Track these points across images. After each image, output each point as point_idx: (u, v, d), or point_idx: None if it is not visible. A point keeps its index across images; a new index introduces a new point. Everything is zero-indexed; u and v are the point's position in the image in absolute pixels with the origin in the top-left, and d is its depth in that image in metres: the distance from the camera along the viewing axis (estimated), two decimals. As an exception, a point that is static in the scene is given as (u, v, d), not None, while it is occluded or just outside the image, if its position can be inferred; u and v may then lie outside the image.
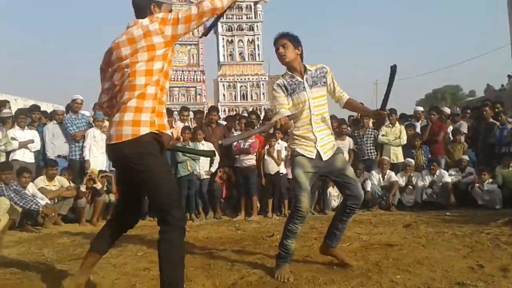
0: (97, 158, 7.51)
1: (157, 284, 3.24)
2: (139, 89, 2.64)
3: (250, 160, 7.55)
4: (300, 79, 3.49)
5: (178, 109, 9.46)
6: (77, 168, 7.50)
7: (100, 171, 7.34)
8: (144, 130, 2.62)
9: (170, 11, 2.84)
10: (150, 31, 2.65)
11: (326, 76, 3.56)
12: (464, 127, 8.96)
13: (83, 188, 6.92)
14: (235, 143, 7.57)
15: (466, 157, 8.37)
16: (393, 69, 3.39)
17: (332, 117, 9.56)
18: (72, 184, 7.07)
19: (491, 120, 8.63)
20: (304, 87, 3.47)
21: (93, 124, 7.83)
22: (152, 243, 4.92)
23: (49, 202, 6.42)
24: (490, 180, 7.68)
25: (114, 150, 2.68)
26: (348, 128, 8.95)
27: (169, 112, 8.57)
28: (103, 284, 3.27)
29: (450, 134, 8.91)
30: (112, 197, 7.20)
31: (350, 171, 3.56)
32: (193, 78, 21.27)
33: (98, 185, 6.96)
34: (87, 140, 7.47)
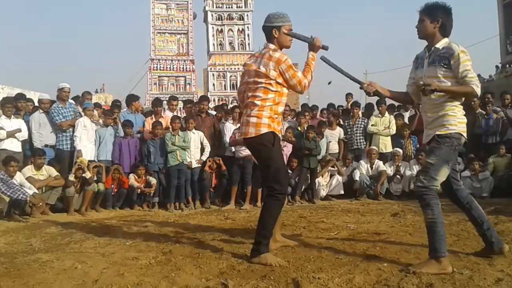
0: (87, 148, 7.43)
1: (145, 273, 3.27)
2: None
3: (246, 150, 7.53)
4: (426, 53, 3.39)
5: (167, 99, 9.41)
6: (65, 158, 7.42)
7: (90, 161, 7.28)
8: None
9: (291, 29, 3.66)
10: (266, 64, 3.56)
11: (449, 58, 3.23)
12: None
13: (71, 178, 6.87)
14: (230, 135, 7.58)
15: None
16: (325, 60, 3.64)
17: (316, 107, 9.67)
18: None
19: (479, 110, 8.70)
20: (423, 64, 3.39)
21: (82, 114, 7.76)
22: (140, 232, 4.92)
23: (36, 191, 6.37)
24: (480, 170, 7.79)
25: None
26: (339, 118, 8.99)
27: (158, 102, 8.52)
28: (91, 273, 3.26)
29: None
30: (102, 187, 7.16)
31: None
32: (183, 68, 21.11)
33: (88, 175, 6.91)
34: (78, 129, 7.38)
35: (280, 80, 3.55)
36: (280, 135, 3.82)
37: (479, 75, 21.30)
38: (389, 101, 9.72)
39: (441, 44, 3.31)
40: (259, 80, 3.56)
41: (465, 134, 3.36)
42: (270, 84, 3.55)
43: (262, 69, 3.53)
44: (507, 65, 17.00)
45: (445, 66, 3.24)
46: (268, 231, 3.53)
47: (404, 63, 56.37)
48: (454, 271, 3.04)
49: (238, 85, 3.93)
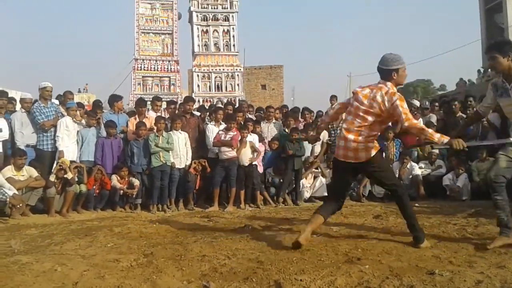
0: (68, 148, 7.34)
1: (126, 275, 3.24)
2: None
3: (231, 152, 7.53)
4: (507, 85, 3.89)
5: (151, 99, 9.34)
6: (46, 159, 7.31)
7: (72, 162, 7.19)
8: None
9: (405, 69, 4.04)
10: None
11: None
12: (434, 119, 9.14)
13: (52, 178, 6.78)
14: (215, 135, 7.57)
15: (436, 151, 8.54)
16: None
17: (305, 109, 9.69)
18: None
19: (460, 114, 8.82)
20: (509, 94, 3.90)
21: (64, 113, 7.66)
22: (122, 234, 4.88)
23: (17, 192, 6.24)
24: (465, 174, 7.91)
25: None
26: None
27: (142, 102, 8.46)
28: (71, 275, 3.22)
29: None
30: (83, 188, 7.08)
31: None
32: (167, 68, 20.94)
33: (69, 175, 6.82)
34: (60, 129, 7.28)
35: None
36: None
37: (461, 79, 21.68)
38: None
39: None
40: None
41: None
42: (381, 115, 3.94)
43: (379, 99, 3.89)
44: (489, 70, 17.25)
45: None
46: (414, 218, 4.10)
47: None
48: (435, 273, 3.08)
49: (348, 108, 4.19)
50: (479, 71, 19.54)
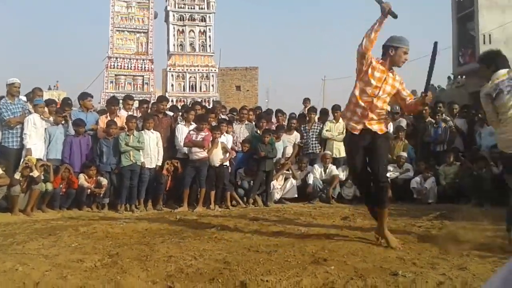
0: (36, 146, 7.16)
1: (90, 276, 3.18)
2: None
3: (202, 153, 7.48)
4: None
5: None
6: (11, 156, 7.11)
7: (39, 160, 7.02)
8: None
9: (405, 52, 4.08)
10: None
11: None
12: (404, 124, 9.30)
13: (17, 176, 6.60)
14: (185, 135, 7.51)
15: (404, 154, 8.69)
16: (435, 46, 3.93)
17: (278, 111, 9.74)
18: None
19: (429, 119, 9.01)
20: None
21: (32, 111, 7.47)
22: (88, 234, 4.79)
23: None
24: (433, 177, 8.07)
25: None
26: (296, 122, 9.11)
27: (114, 101, 8.34)
28: (33, 275, 3.15)
29: (391, 130, 9.21)
30: (49, 186, 6.91)
31: None
32: (141, 67, 20.72)
33: (35, 174, 6.65)
34: (28, 127, 7.10)
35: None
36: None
37: (432, 85, 22.16)
38: (343, 108, 9.93)
39: None
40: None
41: None
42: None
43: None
44: (459, 76, 17.73)
45: None
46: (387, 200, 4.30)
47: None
48: (398, 274, 3.13)
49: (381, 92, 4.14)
50: (449, 77, 20.00)
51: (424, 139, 8.91)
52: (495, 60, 4.25)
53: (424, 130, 8.94)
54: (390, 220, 5.53)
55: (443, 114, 9.10)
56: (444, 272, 3.20)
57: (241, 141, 8.42)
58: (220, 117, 8.91)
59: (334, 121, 8.99)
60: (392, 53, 4.05)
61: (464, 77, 17.16)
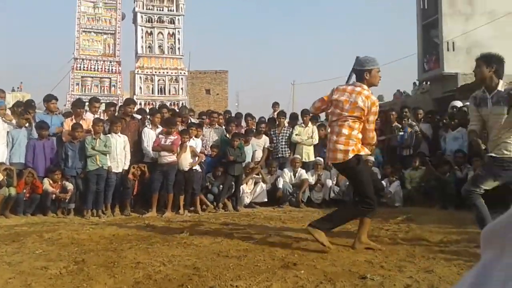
0: (-3, 150, 6.94)
1: (55, 283, 3.09)
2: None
3: (171, 157, 7.39)
4: (487, 95, 4.01)
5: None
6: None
7: (1, 164, 6.79)
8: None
9: (379, 71, 4.27)
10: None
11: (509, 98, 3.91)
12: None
13: (-22, 181, 6.36)
14: (154, 139, 7.42)
15: (372, 158, 8.84)
16: None
17: (248, 115, 9.76)
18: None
19: (396, 124, 9.20)
20: (486, 103, 4.00)
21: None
22: (52, 240, 4.65)
23: None
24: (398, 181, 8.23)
25: None
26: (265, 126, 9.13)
27: (80, 103, 8.16)
28: (-6, 284, 3.03)
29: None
30: (13, 191, 6.68)
31: None
32: (108, 69, 20.35)
33: (-1, 178, 6.43)
34: (-11, 130, 6.86)
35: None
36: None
37: (398, 90, 22.67)
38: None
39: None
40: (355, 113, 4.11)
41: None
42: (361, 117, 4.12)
43: (360, 104, 4.06)
44: (424, 82, 18.13)
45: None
46: (334, 223, 4.25)
47: (332, 75, 58.45)
48: (366, 278, 3.17)
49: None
50: (414, 83, 20.43)
51: (391, 144, 9.09)
52: (499, 64, 4.11)
53: (391, 133, 9.12)
54: (357, 223, 5.63)
55: (409, 119, 9.31)
56: (411, 275, 3.26)
57: (210, 146, 8.38)
58: (190, 121, 8.84)
59: (303, 125, 9.06)
60: (368, 77, 4.19)
61: (428, 83, 17.57)
